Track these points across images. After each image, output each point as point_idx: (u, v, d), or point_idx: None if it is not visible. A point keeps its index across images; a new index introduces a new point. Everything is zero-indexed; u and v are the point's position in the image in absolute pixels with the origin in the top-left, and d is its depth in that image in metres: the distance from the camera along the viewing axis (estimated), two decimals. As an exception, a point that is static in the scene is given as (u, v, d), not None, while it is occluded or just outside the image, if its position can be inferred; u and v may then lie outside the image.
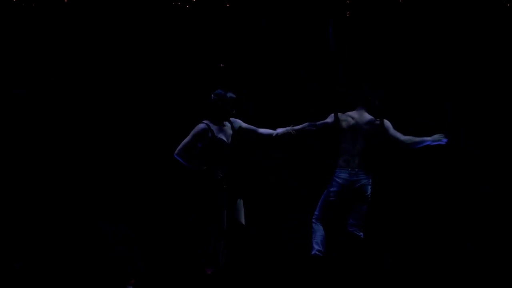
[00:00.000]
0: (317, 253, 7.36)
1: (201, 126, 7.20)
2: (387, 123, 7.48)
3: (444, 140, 7.41)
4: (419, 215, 8.56)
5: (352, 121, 7.46)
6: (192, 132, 7.20)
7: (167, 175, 8.64)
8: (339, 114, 7.49)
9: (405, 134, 7.71)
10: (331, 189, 7.45)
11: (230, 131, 7.28)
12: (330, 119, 7.52)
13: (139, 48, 9.01)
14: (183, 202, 8.48)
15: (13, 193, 8.48)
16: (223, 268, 7.24)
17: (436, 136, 7.41)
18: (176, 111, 8.89)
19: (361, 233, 7.42)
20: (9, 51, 8.87)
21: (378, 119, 7.46)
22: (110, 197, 8.38)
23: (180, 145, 7.20)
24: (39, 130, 8.75)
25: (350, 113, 7.53)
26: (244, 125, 7.42)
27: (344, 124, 7.45)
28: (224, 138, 7.20)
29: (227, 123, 7.30)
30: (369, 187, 7.42)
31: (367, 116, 7.49)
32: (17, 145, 8.67)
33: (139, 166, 8.72)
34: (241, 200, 7.32)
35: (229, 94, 7.25)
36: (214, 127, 7.19)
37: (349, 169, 7.38)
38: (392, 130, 7.48)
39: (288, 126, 7.44)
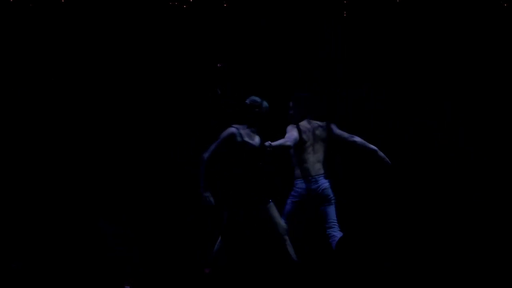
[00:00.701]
0: None
1: (231, 130, 7.18)
2: (331, 124, 7.63)
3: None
4: (418, 216, 8.53)
5: (306, 130, 7.57)
6: (222, 136, 7.17)
7: (166, 175, 8.59)
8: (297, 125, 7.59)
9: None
10: (291, 200, 7.60)
11: (257, 137, 7.29)
12: (294, 132, 7.53)
13: (136, 48, 8.94)
14: (182, 202, 8.45)
15: (12, 193, 8.42)
16: (221, 268, 7.22)
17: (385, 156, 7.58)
18: (174, 111, 8.84)
19: (339, 232, 7.50)
20: (7, 51, 8.79)
21: (324, 123, 7.61)
22: (109, 197, 8.34)
23: (210, 149, 7.13)
24: (39, 130, 8.68)
25: (301, 123, 7.62)
26: None
27: (303, 135, 7.56)
28: (254, 143, 7.20)
29: (254, 129, 7.32)
30: (330, 189, 7.58)
31: (316, 122, 7.62)
32: (16, 145, 8.61)
33: (138, 166, 8.66)
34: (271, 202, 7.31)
35: (264, 103, 7.29)
36: (243, 132, 7.18)
37: (309, 178, 7.52)
38: (337, 131, 7.64)
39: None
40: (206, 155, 7.11)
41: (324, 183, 7.55)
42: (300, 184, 7.58)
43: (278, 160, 8.39)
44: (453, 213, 8.53)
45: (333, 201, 7.59)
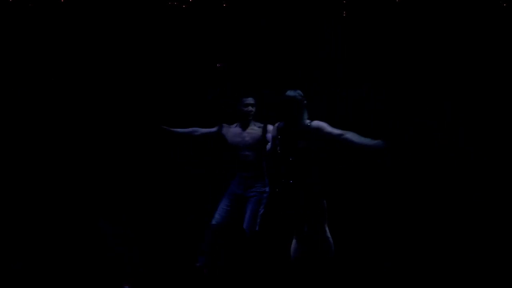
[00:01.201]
0: None
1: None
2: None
3: None
4: (418, 216, 8.50)
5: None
6: None
7: (166, 175, 8.59)
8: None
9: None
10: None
11: None
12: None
13: (135, 47, 8.95)
14: (182, 202, 8.45)
15: (12, 193, 8.41)
16: (219, 268, 7.22)
17: None
18: (173, 111, 8.81)
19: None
20: (6, 51, 8.78)
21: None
22: (109, 197, 8.33)
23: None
24: (38, 130, 8.68)
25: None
26: None
27: None
28: None
29: None
30: None
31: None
32: (17, 145, 8.61)
33: (138, 166, 8.66)
34: None
35: None
36: None
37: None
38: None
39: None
40: None
41: None
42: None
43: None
44: (453, 213, 8.51)
45: None
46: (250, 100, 7.62)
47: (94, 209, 8.19)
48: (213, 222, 7.53)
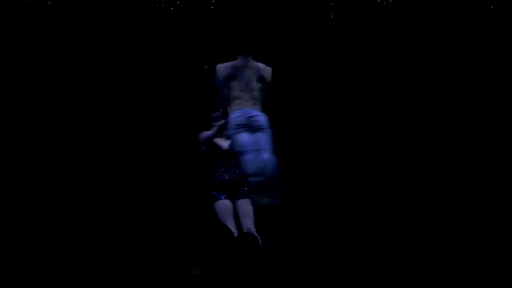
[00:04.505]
0: None
1: None
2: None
3: None
4: (418, 216, 8.27)
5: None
6: None
7: (154, 174, 8.49)
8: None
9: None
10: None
11: None
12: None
13: (123, 50, 8.95)
14: (171, 202, 8.36)
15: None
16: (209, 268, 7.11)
17: None
18: (161, 112, 8.78)
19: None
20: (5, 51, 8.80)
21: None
22: (93, 197, 8.22)
23: None
24: (28, 129, 8.58)
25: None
26: None
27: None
28: None
29: None
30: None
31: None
32: (3, 144, 8.53)
33: (124, 166, 8.54)
34: None
35: None
36: None
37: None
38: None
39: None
40: None
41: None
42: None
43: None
44: (452, 213, 8.31)
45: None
46: None
47: (78, 210, 8.08)
48: None
